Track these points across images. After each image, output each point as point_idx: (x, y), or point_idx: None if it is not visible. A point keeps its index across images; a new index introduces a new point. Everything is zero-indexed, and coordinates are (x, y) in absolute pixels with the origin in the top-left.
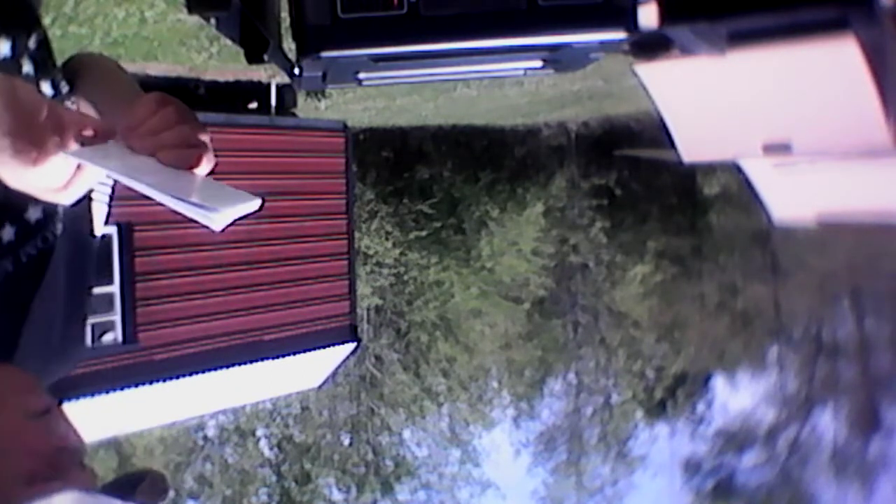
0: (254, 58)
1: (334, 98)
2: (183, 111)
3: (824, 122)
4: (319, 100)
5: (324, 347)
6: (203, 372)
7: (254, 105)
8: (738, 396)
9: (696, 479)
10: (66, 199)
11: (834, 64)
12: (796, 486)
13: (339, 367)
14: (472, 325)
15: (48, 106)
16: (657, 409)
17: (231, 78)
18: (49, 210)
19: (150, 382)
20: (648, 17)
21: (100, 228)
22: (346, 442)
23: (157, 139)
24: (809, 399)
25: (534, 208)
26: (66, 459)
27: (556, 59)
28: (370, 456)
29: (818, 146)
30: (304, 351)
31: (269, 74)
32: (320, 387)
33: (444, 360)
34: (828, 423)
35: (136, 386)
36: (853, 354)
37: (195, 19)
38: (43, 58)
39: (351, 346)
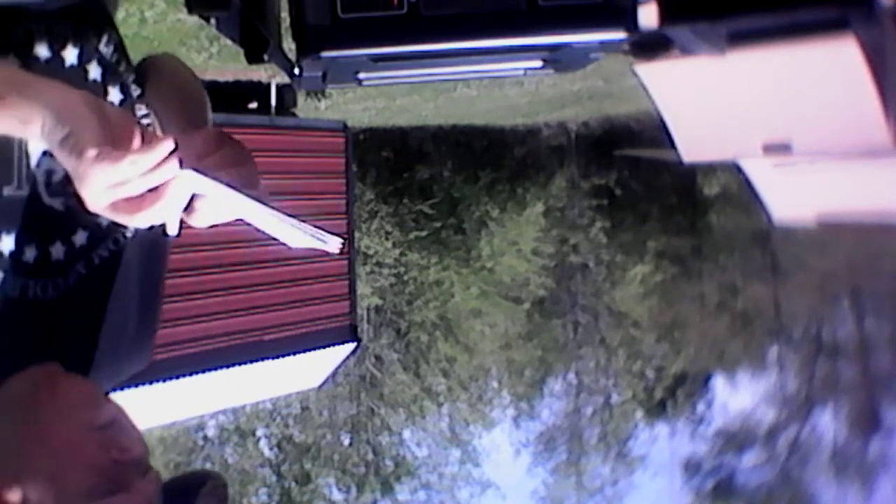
0: (254, 58)
1: (334, 98)
2: (241, 154)
3: (824, 122)
4: (319, 100)
5: (324, 347)
6: (203, 372)
7: (254, 105)
8: (738, 396)
9: (696, 479)
10: (140, 221)
11: (834, 64)
12: (796, 486)
13: (339, 367)
14: (472, 325)
15: (139, 127)
16: (657, 409)
17: (231, 78)
18: None
19: (150, 382)
20: (648, 17)
21: (173, 228)
22: (346, 442)
23: (216, 176)
24: (809, 399)
25: (534, 208)
26: (127, 472)
27: (556, 59)
28: (370, 456)
29: (818, 146)
30: (304, 351)
31: (269, 74)
32: (320, 387)
33: (444, 360)
34: (828, 423)
35: (136, 386)
36: (853, 354)
37: (195, 19)
38: (113, 61)
39: (351, 346)
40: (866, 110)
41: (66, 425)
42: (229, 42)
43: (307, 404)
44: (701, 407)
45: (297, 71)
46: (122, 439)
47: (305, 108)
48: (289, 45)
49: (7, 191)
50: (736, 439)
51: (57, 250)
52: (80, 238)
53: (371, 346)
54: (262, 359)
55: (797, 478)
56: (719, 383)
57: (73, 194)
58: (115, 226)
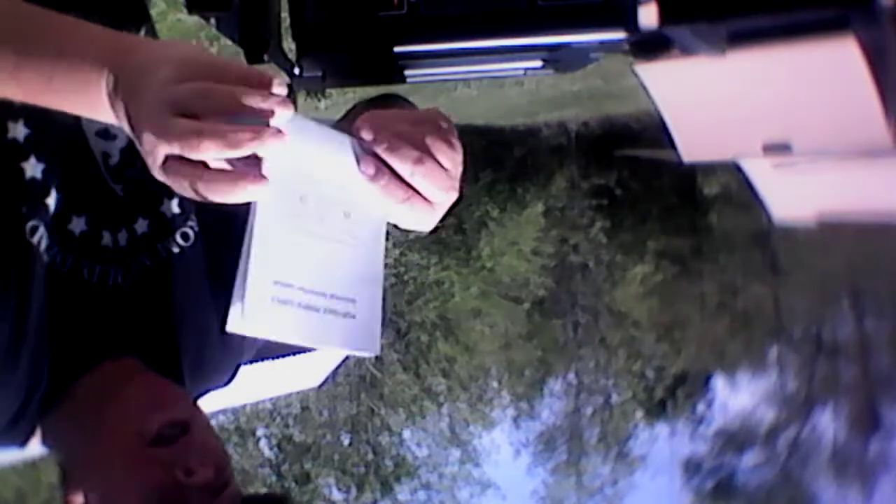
0: (254, 58)
1: (334, 98)
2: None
3: (824, 122)
4: (319, 100)
5: None
6: None
7: None
8: (738, 396)
9: (697, 479)
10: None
11: (834, 64)
12: (796, 486)
13: (339, 367)
14: (472, 325)
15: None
16: (657, 409)
17: None
18: (186, 206)
19: None
20: (648, 17)
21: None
22: (346, 442)
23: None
24: (809, 399)
25: (534, 208)
26: (192, 495)
27: (556, 59)
28: (370, 456)
29: (818, 146)
30: (305, 351)
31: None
32: (320, 387)
33: (444, 360)
34: (828, 423)
35: None
36: (853, 354)
37: (195, 19)
38: None
39: None
40: (866, 110)
41: (126, 439)
42: (229, 42)
43: (307, 404)
44: (701, 407)
45: (297, 71)
46: (191, 458)
47: (305, 107)
48: (289, 45)
49: (74, 170)
50: (736, 439)
51: (122, 237)
52: (140, 226)
53: None
54: (262, 359)
55: (797, 478)
56: (719, 383)
57: (132, 180)
58: (184, 219)
